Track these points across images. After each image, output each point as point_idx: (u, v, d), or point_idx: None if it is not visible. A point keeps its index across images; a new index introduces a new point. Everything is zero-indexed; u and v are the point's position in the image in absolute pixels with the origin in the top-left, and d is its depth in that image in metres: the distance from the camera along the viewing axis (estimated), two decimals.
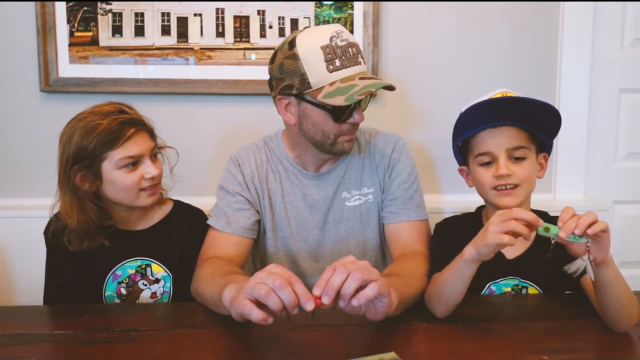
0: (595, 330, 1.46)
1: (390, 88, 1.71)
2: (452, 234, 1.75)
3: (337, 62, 1.64)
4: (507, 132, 1.62)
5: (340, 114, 1.69)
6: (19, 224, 2.33)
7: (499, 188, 1.64)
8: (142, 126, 1.76)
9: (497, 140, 1.63)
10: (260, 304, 1.22)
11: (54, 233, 1.81)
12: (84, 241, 1.76)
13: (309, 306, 1.19)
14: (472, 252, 1.40)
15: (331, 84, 1.65)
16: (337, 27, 1.69)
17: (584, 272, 1.36)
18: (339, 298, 1.23)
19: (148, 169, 1.74)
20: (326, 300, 1.21)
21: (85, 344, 1.41)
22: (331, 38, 1.65)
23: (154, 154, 1.80)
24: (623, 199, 2.62)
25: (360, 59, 1.70)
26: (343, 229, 1.90)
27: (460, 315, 1.52)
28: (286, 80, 1.69)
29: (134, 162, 1.73)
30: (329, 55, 1.64)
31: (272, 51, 1.77)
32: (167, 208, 1.93)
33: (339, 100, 1.63)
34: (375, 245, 1.94)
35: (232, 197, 1.86)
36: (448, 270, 1.50)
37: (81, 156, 1.70)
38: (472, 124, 1.68)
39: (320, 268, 1.90)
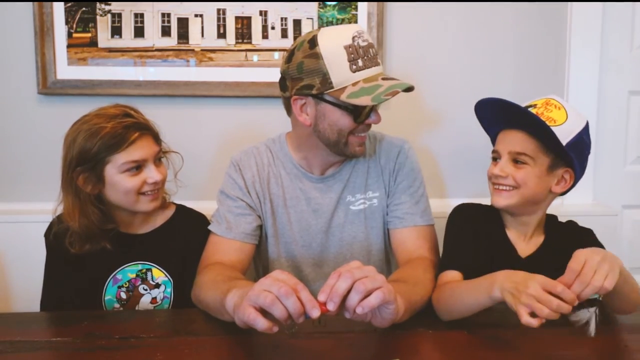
0: (603, 337, 1.44)
1: (411, 89, 1.70)
2: (468, 221, 1.77)
3: (360, 62, 1.63)
4: (516, 136, 1.64)
5: (359, 114, 1.68)
6: (16, 228, 2.30)
7: (497, 187, 1.69)
8: (146, 130, 1.74)
9: (505, 142, 1.67)
10: (264, 312, 1.20)
11: (56, 235, 1.79)
12: (86, 244, 1.75)
13: (315, 313, 1.16)
14: (500, 297, 1.36)
15: (354, 84, 1.64)
16: (358, 27, 1.69)
17: (587, 324, 1.38)
18: (344, 308, 1.21)
19: (151, 173, 1.73)
20: (331, 307, 1.18)
21: (84, 351, 1.39)
22: (353, 38, 1.64)
23: (158, 158, 1.78)
24: (632, 203, 2.61)
25: (379, 60, 1.70)
26: (347, 234, 1.88)
27: (466, 322, 1.50)
28: (305, 80, 1.67)
29: (138, 167, 1.71)
30: (352, 55, 1.63)
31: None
32: (170, 212, 1.92)
33: (365, 100, 1.62)
34: (380, 250, 1.91)
35: (233, 202, 1.83)
36: (469, 296, 1.47)
37: (84, 159, 1.68)
38: (490, 122, 1.76)
39: (324, 273, 1.88)
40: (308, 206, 1.87)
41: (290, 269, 1.87)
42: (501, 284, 1.36)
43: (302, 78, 1.67)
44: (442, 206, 2.40)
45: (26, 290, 2.29)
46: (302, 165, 1.87)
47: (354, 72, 1.63)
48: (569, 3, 2.45)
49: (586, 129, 1.64)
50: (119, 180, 1.70)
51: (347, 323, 1.31)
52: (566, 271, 1.31)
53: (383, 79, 1.65)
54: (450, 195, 2.55)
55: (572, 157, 1.61)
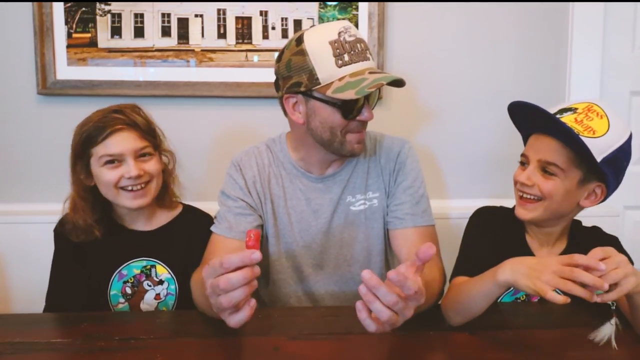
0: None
1: (400, 83, 1.68)
2: (487, 226, 1.74)
3: (346, 57, 1.62)
4: (548, 144, 1.55)
5: (349, 110, 1.66)
6: (16, 229, 2.31)
7: (521, 195, 1.62)
8: (130, 126, 1.76)
9: (535, 148, 1.59)
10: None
11: (62, 224, 1.86)
12: (81, 234, 1.81)
13: (257, 257, 1.13)
14: (508, 280, 1.32)
15: (340, 79, 1.62)
16: (345, 23, 1.67)
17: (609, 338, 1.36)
18: (363, 286, 1.14)
19: (128, 168, 1.75)
20: (367, 275, 1.12)
21: (84, 353, 1.39)
22: (339, 33, 1.62)
23: (142, 154, 1.79)
24: (634, 204, 2.61)
25: (368, 55, 1.67)
26: (347, 234, 1.87)
27: (468, 323, 1.49)
28: (294, 78, 1.66)
29: (115, 160, 1.74)
30: (338, 50, 1.61)
31: (275, 53, 1.74)
32: (176, 212, 1.96)
33: (350, 94, 1.59)
34: (380, 251, 1.90)
35: (233, 202, 1.83)
36: (474, 286, 1.44)
37: (76, 151, 1.77)
38: (522, 125, 1.68)
39: (324, 274, 1.87)
40: (308, 206, 1.86)
41: (290, 269, 1.87)
42: (511, 267, 1.32)
43: (291, 76, 1.67)
44: (443, 207, 2.41)
45: (26, 291, 2.29)
46: (301, 165, 1.87)
47: (340, 67, 1.62)
48: (571, 3, 2.44)
49: (628, 141, 1.53)
50: (98, 173, 1.75)
51: (348, 325, 1.30)
52: (590, 253, 1.27)
53: (371, 72, 1.63)
54: (451, 196, 2.54)
55: (606, 172, 1.51)
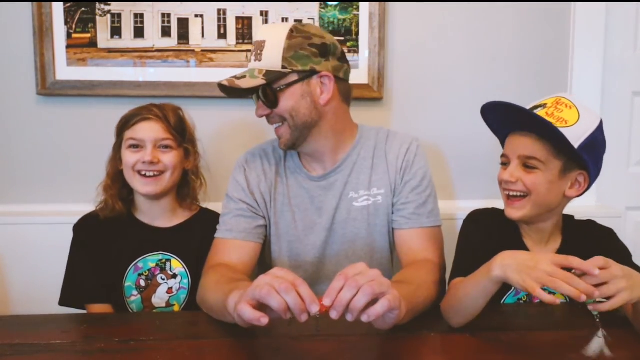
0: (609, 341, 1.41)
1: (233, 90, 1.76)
2: (482, 228, 1.73)
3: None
4: (525, 140, 1.58)
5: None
6: (15, 230, 2.29)
7: (507, 194, 1.64)
8: (158, 118, 1.88)
9: (514, 146, 1.61)
10: (263, 308, 1.19)
11: (81, 222, 1.98)
12: (107, 211, 1.95)
13: (314, 309, 1.15)
14: (499, 275, 1.33)
15: None
16: (268, 25, 1.78)
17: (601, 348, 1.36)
18: (347, 310, 1.18)
19: (145, 152, 1.86)
20: (334, 316, 1.16)
21: (84, 354, 1.38)
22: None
23: (163, 145, 1.89)
24: (636, 205, 2.59)
25: (253, 57, 1.76)
26: (350, 230, 1.86)
27: (469, 324, 1.48)
28: None
29: (139, 145, 1.87)
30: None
31: None
32: (194, 213, 2.06)
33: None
34: (384, 249, 1.89)
35: (234, 204, 1.85)
36: (470, 283, 1.44)
37: (116, 135, 1.94)
38: (497, 125, 1.70)
39: (326, 271, 1.88)
40: (312, 204, 1.87)
41: (292, 268, 1.85)
42: (502, 262, 1.33)
43: None
44: (450, 208, 2.39)
45: (25, 292, 2.28)
46: (304, 164, 1.89)
47: None
48: (573, 3, 2.44)
49: (600, 127, 1.56)
50: (124, 154, 1.89)
51: (349, 326, 1.29)
52: (591, 260, 1.27)
53: (236, 76, 1.74)
54: (454, 197, 2.54)
55: (585, 159, 1.54)
